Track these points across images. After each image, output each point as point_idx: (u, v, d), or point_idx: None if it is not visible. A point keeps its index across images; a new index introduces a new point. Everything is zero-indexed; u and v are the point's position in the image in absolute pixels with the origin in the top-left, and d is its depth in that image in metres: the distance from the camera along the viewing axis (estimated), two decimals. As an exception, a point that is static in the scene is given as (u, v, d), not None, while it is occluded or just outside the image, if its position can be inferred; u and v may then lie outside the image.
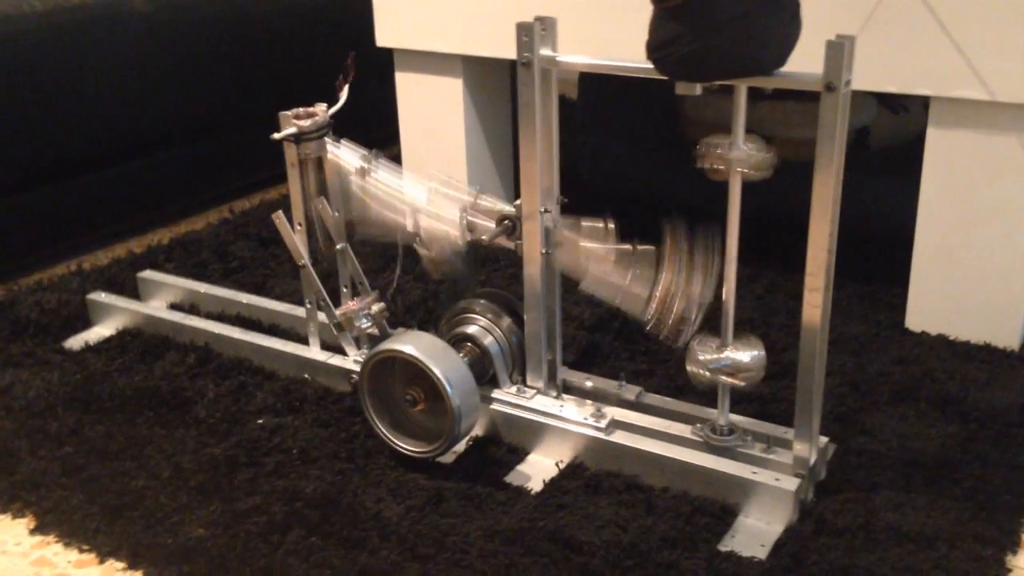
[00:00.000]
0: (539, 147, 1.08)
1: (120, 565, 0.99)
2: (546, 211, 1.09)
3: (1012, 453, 1.10)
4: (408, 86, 1.69)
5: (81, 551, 1.01)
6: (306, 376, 1.28)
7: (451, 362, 1.08)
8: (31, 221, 1.67)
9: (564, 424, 1.12)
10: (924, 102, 1.31)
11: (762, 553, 0.97)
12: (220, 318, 1.43)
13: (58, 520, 1.04)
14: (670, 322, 1.02)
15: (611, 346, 1.34)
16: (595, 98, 1.90)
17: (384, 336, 1.21)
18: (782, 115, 1.64)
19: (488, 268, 1.59)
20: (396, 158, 2.08)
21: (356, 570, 0.96)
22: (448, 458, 1.13)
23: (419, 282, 1.52)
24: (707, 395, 1.16)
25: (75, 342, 1.41)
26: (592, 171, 1.87)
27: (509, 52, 1.52)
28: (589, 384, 1.18)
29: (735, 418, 1.09)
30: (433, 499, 1.05)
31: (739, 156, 0.97)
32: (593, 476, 1.08)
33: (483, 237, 1.13)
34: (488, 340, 1.18)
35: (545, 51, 1.04)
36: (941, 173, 1.30)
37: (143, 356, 1.35)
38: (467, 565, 0.96)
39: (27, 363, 1.35)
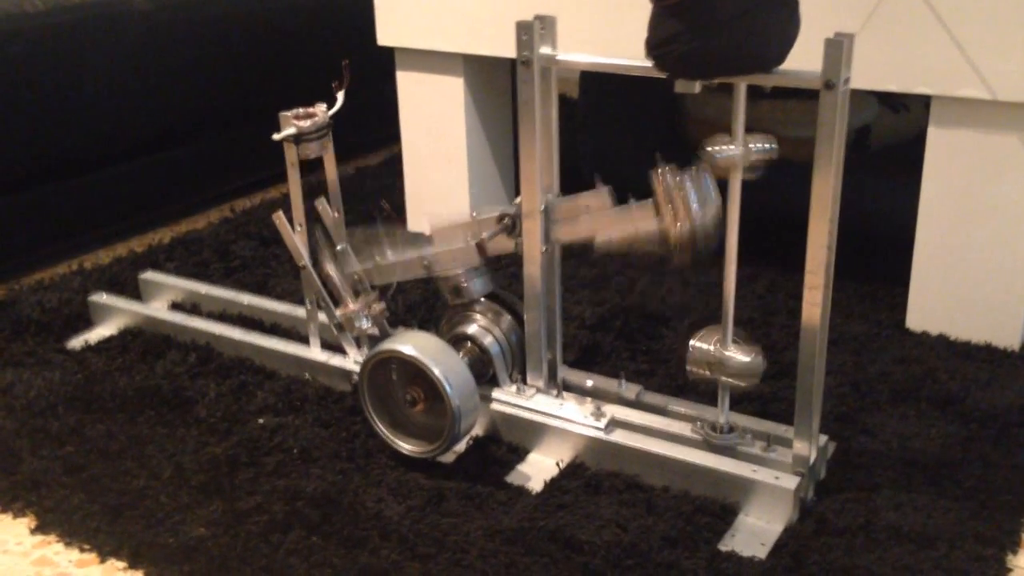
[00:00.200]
0: (539, 145, 1.08)
1: (121, 564, 0.99)
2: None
3: (1013, 453, 1.10)
4: (409, 85, 1.69)
5: (82, 550, 1.01)
6: (307, 376, 1.28)
7: (450, 362, 1.08)
8: (32, 220, 1.67)
9: (564, 423, 1.12)
10: (925, 101, 1.31)
11: (762, 552, 0.97)
12: (221, 318, 1.43)
13: (59, 519, 1.04)
14: (687, 248, 1.01)
15: (612, 345, 1.34)
16: (596, 96, 1.89)
17: (384, 336, 1.21)
18: (782, 114, 1.64)
19: (488, 268, 1.58)
20: (397, 157, 2.08)
21: (357, 570, 0.96)
22: (448, 458, 1.13)
23: (419, 282, 1.52)
24: (707, 394, 1.16)
25: (76, 341, 1.41)
26: (592, 170, 1.87)
27: (510, 51, 1.52)
28: (589, 383, 1.18)
29: (735, 416, 1.09)
30: (433, 499, 1.05)
31: (740, 154, 0.97)
32: (593, 475, 1.08)
33: (484, 235, 1.13)
34: (488, 339, 1.18)
35: (545, 49, 1.04)
36: (942, 172, 1.29)
37: (144, 356, 1.35)
38: (467, 565, 0.96)
39: (28, 362, 1.35)
